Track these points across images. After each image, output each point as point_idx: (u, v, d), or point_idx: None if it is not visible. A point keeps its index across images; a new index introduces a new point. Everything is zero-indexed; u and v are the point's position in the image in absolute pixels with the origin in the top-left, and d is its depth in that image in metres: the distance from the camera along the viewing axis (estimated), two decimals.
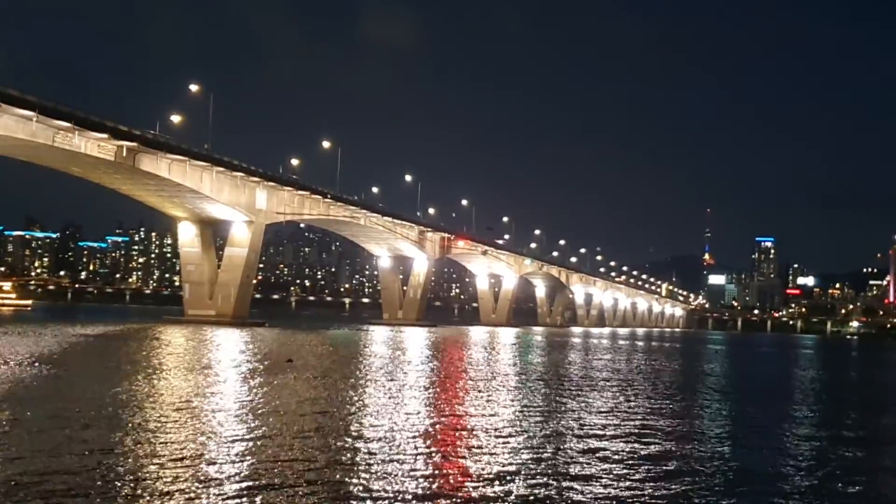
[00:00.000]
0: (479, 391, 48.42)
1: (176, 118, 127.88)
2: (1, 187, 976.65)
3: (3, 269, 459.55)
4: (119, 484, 21.47)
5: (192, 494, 20.83)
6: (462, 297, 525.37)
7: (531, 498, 22.26)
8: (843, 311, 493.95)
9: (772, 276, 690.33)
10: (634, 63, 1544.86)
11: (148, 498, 20.33)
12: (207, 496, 20.77)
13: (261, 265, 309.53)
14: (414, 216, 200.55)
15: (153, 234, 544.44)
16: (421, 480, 23.55)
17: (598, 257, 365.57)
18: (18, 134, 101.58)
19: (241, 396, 40.66)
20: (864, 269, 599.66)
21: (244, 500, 20.65)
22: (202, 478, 22.64)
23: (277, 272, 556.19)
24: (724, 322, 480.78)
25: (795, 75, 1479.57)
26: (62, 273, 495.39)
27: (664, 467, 27.15)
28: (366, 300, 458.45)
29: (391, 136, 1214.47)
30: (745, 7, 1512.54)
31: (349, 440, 29.31)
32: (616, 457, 28.59)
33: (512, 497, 22.19)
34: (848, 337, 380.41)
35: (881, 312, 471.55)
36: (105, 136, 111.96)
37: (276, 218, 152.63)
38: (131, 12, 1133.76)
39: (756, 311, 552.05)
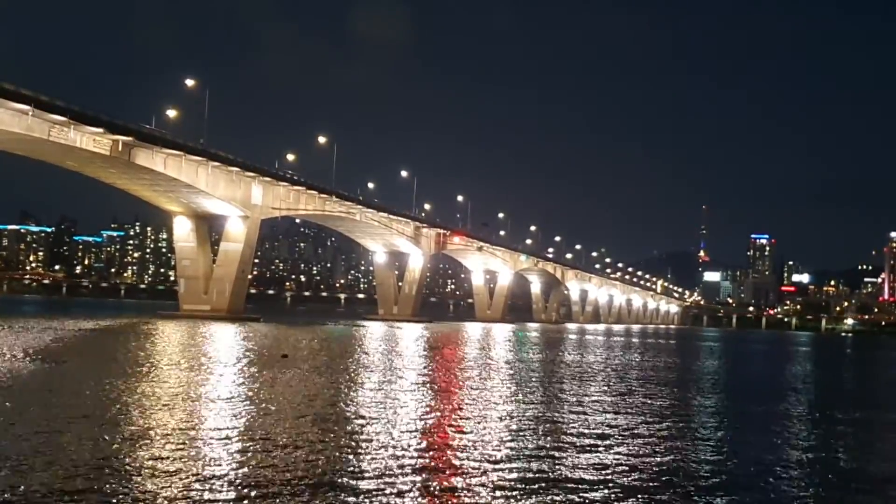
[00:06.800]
0: (474, 387, 48.53)
1: (172, 113, 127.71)
2: None
3: None
4: (112, 480, 21.56)
5: (186, 492, 20.92)
6: (457, 293, 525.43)
7: (528, 496, 22.38)
8: (838, 308, 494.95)
9: (767, 273, 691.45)
10: (631, 60, 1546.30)
11: (141, 496, 20.40)
12: (201, 493, 20.85)
13: (256, 260, 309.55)
14: (409, 212, 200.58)
15: (148, 228, 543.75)
16: (417, 478, 23.66)
17: (594, 254, 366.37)
18: (14, 128, 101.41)
19: (236, 391, 40.73)
20: (859, 267, 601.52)
21: (239, 496, 20.75)
22: (195, 474, 22.71)
23: (273, 267, 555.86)
24: (718, 319, 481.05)
25: (792, 73, 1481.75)
26: (57, 267, 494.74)
27: (655, 465, 27.30)
28: (361, 296, 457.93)
29: (387, 131, 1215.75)
30: (743, 5, 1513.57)
31: (344, 436, 29.41)
32: (608, 454, 28.71)
33: (509, 496, 22.30)
34: (843, 334, 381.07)
35: (876, 310, 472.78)
36: (100, 130, 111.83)
37: (271, 213, 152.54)
38: (127, 7, 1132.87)
39: (751, 308, 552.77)
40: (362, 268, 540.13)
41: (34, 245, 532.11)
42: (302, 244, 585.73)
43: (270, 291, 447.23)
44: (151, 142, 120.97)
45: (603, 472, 25.38)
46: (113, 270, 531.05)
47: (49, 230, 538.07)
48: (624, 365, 76.89)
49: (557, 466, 25.84)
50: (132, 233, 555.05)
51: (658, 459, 27.86)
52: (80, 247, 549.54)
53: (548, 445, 29.36)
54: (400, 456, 26.06)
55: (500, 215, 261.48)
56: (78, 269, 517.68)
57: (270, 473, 22.92)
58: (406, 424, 32.51)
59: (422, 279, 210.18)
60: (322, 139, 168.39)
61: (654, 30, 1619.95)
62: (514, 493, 22.22)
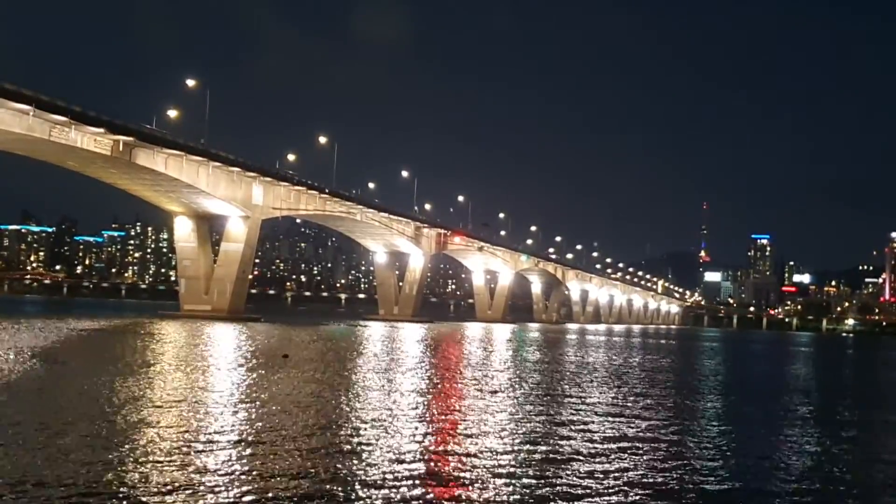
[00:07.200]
0: (478, 389, 48.46)
1: (172, 113, 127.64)
2: None
3: None
4: (112, 480, 21.49)
5: (185, 492, 20.85)
6: (458, 293, 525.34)
7: (526, 498, 22.31)
8: (839, 308, 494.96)
9: (768, 273, 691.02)
10: (631, 59, 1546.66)
11: (141, 495, 20.34)
12: (201, 493, 20.78)
13: (257, 260, 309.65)
14: (410, 212, 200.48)
15: (149, 228, 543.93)
16: (423, 485, 23.59)
17: (595, 254, 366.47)
18: (15, 128, 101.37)
19: (237, 393, 40.66)
20: (860, 267, 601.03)
21: (239, 496, 20.68)
22: (195, 474, 22.65)
23: (273, 267, 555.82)
24: (719, 319, 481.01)
25: (792, 72, 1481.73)
26: (58, 268, 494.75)
27: (664, 471, 27.23)
28: (362, 296, 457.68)
29: (387, 131, 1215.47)
30: (743, 5, 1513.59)
31: (346, 439, 29.33)
32: (617, 460, 28.66)
33: (507, 499, 22.23)
34: (843, 335, 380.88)
35: (877, 310, 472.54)
36: (101, 130, 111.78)
37: (272, 213, 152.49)
38: (127, 7, 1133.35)
39: (752, 309, 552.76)
40: (363, 268, 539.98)
41: (35, 245, 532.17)
42: (302, 244, 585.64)
43: (271, 291, 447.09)
44: (152, 142, 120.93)
45: (615, 477, 25.30)
46: (114, 270, 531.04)
47: (50, 230, 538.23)
48: (627, 366, 76.80)
49: (565, 473, 25.71)
50: (133, 233, 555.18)
51: (668, 465, 27.75)
52: (81, 247, 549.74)
53: (553, 451, 29.26)
54: (405, 460, 25.89)
55: (501, 215, 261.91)
56: (79, 270, 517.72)
57: (274, 477, 22.82)
58: (411, 428, 32.35)
59: (422, 279, 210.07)
60: (322, 139, 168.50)
61: (653, 30, 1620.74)
62: (524, 500, 22.15)
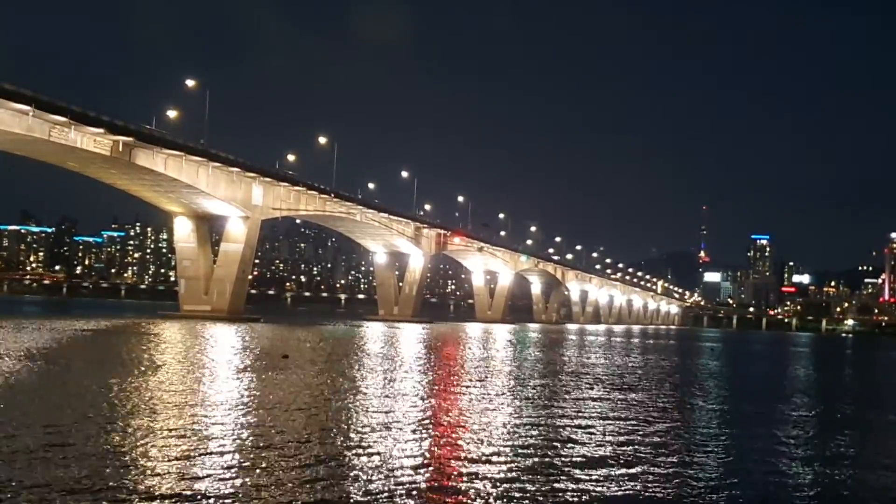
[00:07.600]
0: (479, 391, 48.42)
1: (172, 113, 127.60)
2: None
3: None
4: (111, 480, 21.44)
5: (188, 495, 20.80)
6: (458, 293, 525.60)
7: (526, 498, 22.25)
8: (839, 309, 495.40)
9: (767, 273, 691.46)
10: (631, 60, 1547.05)
11: (140, 496, 20.29)
12: (203, 496, 20.73)
13: (256, 261, 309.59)
14: (410, 212, 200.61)
15: (149, 229, 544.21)
16: (422, 482, 23.52)
17: (594, 254, 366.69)
18: (14, 128, 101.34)
19: (236, 393, 40.59)
20: (860, 268, 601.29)
21: (239, 497, 20.62)
22: (197, 477, 22.58)
23: (273, 268, 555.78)
24: (719, 320, 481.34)
25: (793, 72, 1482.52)
26: (57, 268, 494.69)
27: (655, 467, 27.19)
28: (361, 296, 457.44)
29: (387, 132, 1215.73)
30: (743, 5, 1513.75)
31: (348, 438, 29.27)
32: (605, 456, 28.62)
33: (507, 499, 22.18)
34: (843, 335, 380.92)
35: (876, 311, 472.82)
36: (101, 130, 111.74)
37: (272, 213, 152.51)
38: (127, 7, 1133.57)
39: (751, 309, 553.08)
40: (363, 268, 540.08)
41: (34, 245, 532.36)
42: (302, 244, 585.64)
43: (271, 292, 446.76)
44: (152, 142, 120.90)
45: (624, 479, 25.26)
46: (113, 271, 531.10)
47: (49, 230, 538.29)
48: (628, 367, 76.79)
49: (571, 477, 25.62)
50: (132, 233, 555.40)
51: (673, 470, 27.70)
52: (81, 247, 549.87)
53: (558, 454, 29.18)
54: (411, 464, 25.70)
55: (501, 216, 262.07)
56: (78, 270, 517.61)
57: (278, 481, 22.76)
58: (415, 430, 32.22)
59: (422, 280, 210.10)
60: (322, 139, 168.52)
61: (653, 30, 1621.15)
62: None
